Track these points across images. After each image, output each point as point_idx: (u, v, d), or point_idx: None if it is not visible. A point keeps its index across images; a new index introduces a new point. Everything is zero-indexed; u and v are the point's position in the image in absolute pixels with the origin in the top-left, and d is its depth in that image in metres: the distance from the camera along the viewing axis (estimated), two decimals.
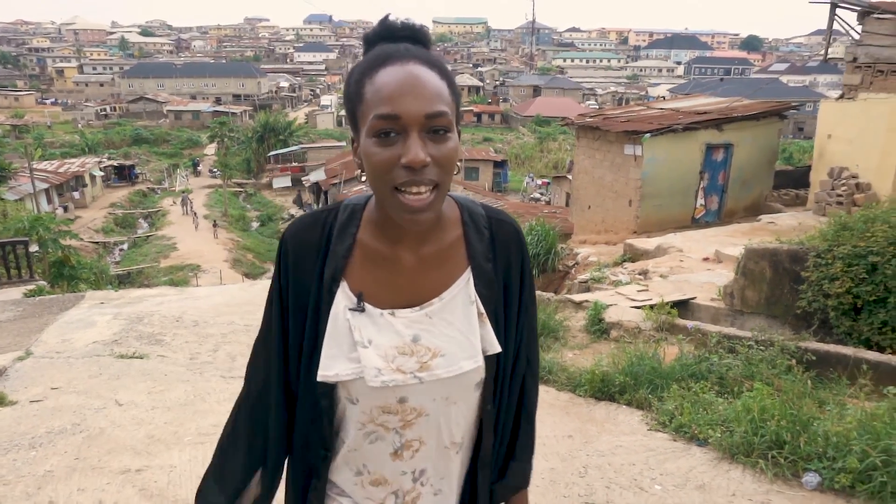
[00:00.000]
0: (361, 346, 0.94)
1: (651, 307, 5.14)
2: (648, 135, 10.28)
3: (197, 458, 3.03)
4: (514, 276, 1.04)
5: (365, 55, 0.93)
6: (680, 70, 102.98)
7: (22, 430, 3.42)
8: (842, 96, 10.17)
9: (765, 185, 11.98)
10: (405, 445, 0.99)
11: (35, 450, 3.16)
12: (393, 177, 0.86)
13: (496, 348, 0.99)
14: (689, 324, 4.69)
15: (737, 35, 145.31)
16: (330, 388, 0.98)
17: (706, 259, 8.13)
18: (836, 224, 4.61)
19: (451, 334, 0.97)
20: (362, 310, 0.95)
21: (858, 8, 9.49)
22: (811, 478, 2.56)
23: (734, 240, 8.82)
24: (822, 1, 10.05)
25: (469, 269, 1.00)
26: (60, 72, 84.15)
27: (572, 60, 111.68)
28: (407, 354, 0.95)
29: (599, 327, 5.35)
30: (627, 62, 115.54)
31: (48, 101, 70.68)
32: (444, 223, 1.00)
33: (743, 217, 11.49)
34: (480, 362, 0.97)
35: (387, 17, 0.94)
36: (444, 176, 0.88)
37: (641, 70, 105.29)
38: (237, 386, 3.86)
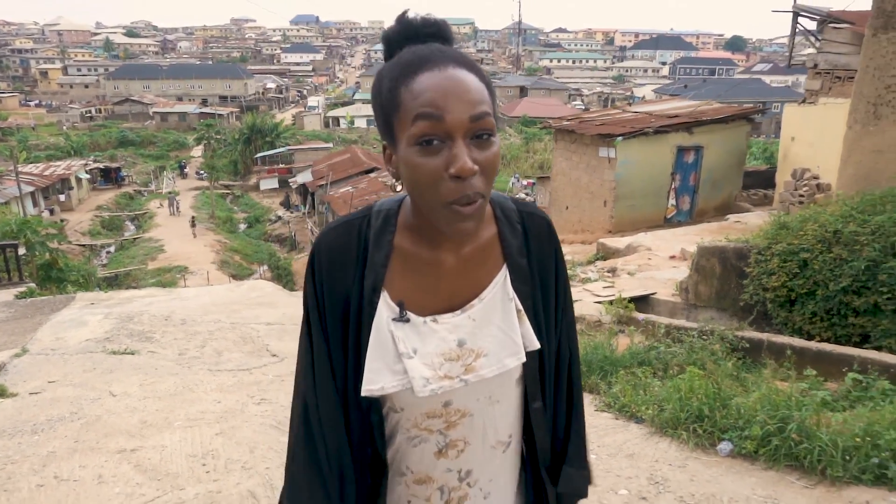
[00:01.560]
0: (407, 357, 0.92)
1: (610, 302, 5.53)
2: (620, 138, 10.70)
3: (186, 440, 3.36)
4: (549, 270, 1.03)
5: (390, 57, 0.91)
6: (665, 70, 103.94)
7: (24, 418, 3.72)
8: (804, 101, 10.65)
9: (734, 186, 12.45)
10: (449, 445, 0.98)
11: (37, 434, 3.46)
12: (441, 190, 0.83)
13: (535, 345, 0.98)
14: (640, 316, 5.08)
15: (721, 35, 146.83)
16: (376, 401, 0.96)
17: (672, 257, 8.55)
18: (775, 223, 5.02)
19: (493, 333, 0.96)
20: (407, 320, 0.94)
21: (818, 17, 9.96)
22: (724, 446, 2.94)
23: (701, 238, 9.24)
24: (785, 10, 10.51)
25: (505, 267, 0.98)
26: (44, 73, 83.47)
27: (559, 61, 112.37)
28: (453, 360, 0.94)
29: None
30: (613, 63, 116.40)
31: (32, 103, 70.10)
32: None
33: (713, 216, 11.95)
34: (523, 358, 0.96)
35: (405, 13, 0.91)
36: (488, 184, 0.87)
37: (627, 70, 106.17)
38: (223, 378, 4.23)
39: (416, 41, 0.89)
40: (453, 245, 0.95)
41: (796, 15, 10.53)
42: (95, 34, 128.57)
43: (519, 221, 1.01)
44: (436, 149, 0.83)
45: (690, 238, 9.72)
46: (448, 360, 0.94)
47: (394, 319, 0.93)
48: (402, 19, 0.90)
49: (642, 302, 6.27)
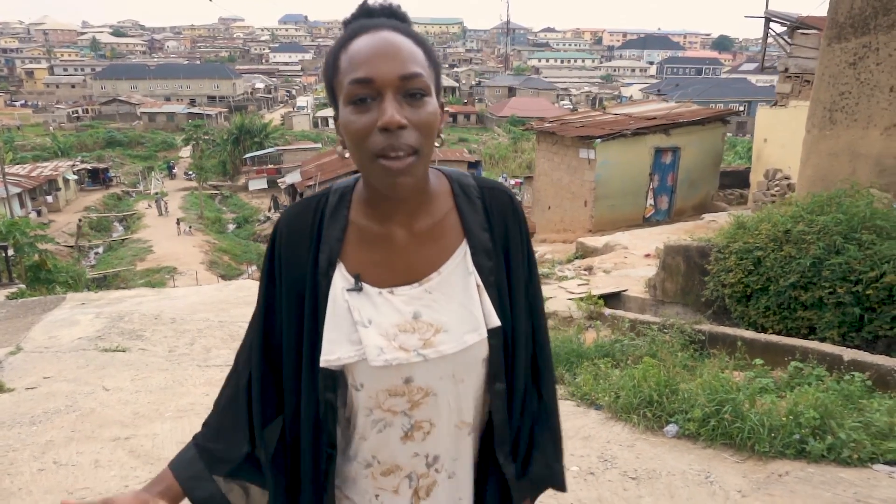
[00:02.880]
0: (361, 325, 0.93)
1: (581, 298, 5.81)
2: (599, 140, 11.01)
3: (177, 429, 3.59)
4: (513, 244, 1.01)
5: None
6: (653, 70, 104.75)
7: (21, 411, 3.94)
8: (775, 103, 11.01)
9: (711, 186, 12.81)
10: (415, 426, 0.97)
11: (35, 426, 3.68)
12: (371, 143, 0.85)
13: (495, 322, 0.96)
14: (607, 312, 5.37)
15: (708, 35, 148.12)
16: (334, 381, 0.95)
17: (647, 255, 8.86)
18: (734, 223, 5.33)
19: (452, 308, 0.95)
20: (360, 289, 0.95)
21: (788, 23, 10.32)
22: (671, 428, 3.22)
23: (676, 237, 9.57)
24: (757, 16, 10.86)
25: (465, 241, 0.98)
26: (30, 73, 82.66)
27: (547, 60, 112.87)
28: (408, 332, 0.94)
29: None
30: (601, 62, 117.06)
31: (18, 103, 69.45)
32: (433, 197, 0.99)
33: (691, 216, 12.29)
34: (484, 335, 0.95)
35: (365, 1, 0.95)
36: (424, 140, 0.87)
37: (615, 70, 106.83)
38: (212, 373, 4.51)
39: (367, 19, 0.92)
40: (405, 218, 0.96)
41: (768, 20, 10.88)
42: (82, 33, 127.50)
43: (479, 196, 1.01)
44: (368, 106, 0.85)
45: (666, 237, 10.01)
46: (403, 331, 0.94)
47: (348, 290, 0.95)
48: (363, 5, 0.94)
49: (615, 298, 6.56)
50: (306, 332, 0.96)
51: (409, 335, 0.94)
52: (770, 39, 11.49)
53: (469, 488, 1.05)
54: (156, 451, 3.26)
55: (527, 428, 1.08)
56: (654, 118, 12.23)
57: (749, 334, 4.39)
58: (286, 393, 1.01)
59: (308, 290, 0.96)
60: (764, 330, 4.73)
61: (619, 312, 5.44)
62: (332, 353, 0.93)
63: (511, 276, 1.01)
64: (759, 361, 3.93)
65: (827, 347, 3.84)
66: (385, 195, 0.92)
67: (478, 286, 0.96)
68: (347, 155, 0.92)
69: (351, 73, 0.86)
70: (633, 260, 8.82)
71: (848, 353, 3.70)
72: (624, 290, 6.58)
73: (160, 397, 4.20)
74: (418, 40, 0.90)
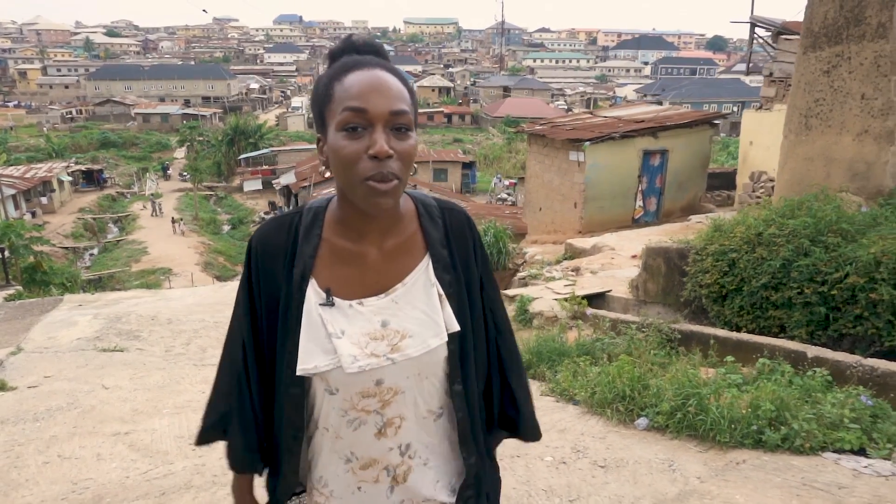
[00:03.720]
0: (335, 337, 1.02)
1: (566, 299, 6.01)
2: (588, 142, 11.21)
3: (174, 424, 3.77)
4: (470, 258, 1.13)
5: (330, 67, 1.04)
6: (647, 70, 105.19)
7: (25, 408, 4.10)
8: (761, 107, 11.24)
9: (699, 188, 13.03)
10: (387, 423, 1.06)
11: (39, 422, 3.85)
12: (360, 168, 0.95)
13: (455, 327, 1.07)
14: (589, 311, 5.57)
15: (703, 35, 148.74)
16: (301, 378, 1.05)
17: (634, 256, 9.04)
18: (712, 226, 5.53)
19: (416, 316, 1.05)
20: (332, 304, 1.04)
21: (772, 28, 10.54)
22: (641, 421, 3.42)
23: (658, 238, 9.78)
24: (742, 21, 11.08)
25: (427, 256, 1.09)
26: (23, 73, 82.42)
27: (542, 61, 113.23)
28: (378, 339, 1.03)
29: (525, 317, 6.21)
30: (596, 62, 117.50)
31: (11, 104, 69.26)
32: (402, 217, 1.09)
33: (679, 217, 12.50)
34: (445, 338, 1.06)
35: (350, 36, 1.06)
36: (404, 170, 0.98)
37: (610, 70, 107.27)
38: (208, 372, 4.73)
39: (354, 55, 1.03)
40: (376, 237, 1.06)
41: (753, 25, 11.11)
42: (75, 34, 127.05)
43: (440, 216, 1.12)
44: (359, 134, 0.96)
45: (653, 238, 10.25)
46: (373, 339, 1.03)
47: (321, 304, 1.04)
48: (347, 39, 1.06)
49: (599, 299, 6.76)
50: (279, 340, 1.07)
51: (378, 342, 1.03)
52: (761, 42, 11.71)
53: (447, 470, 1.15)
54: (154, 445, 3.44)
55: (499, 405, 1.22)
56: (643, 121, 12.43)
57: (722, 333, 4.59)
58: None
59: (282, 302, 1.06)
60: (738, 329, 4.93)
61: (602, 312, 5.64)
62: (309, 362, 1.02)
63: (469, 285, 1.12)
64: (730, 359, 4.13)
65: (792, 345, 4.04)
66: (362, 215, 1.02)
67: (439, 295, 1.07)
68: (328, 175, 1.04)
69: (346, 101, 0.96)
70: (620, 261, 9.01)
71: (812, 351, 3.91)
72: (608, 291, 6.78)
73: (158, 395, 4.37)
74: (403, 80, 1.01)
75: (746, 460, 2.80)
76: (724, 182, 14.50)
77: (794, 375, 3.60)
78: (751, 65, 12.21)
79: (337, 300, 1.04)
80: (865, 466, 2.56)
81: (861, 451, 2.74)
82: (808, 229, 4.54)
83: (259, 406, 1.14)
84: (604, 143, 11.64)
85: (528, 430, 1.26)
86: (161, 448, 3.38)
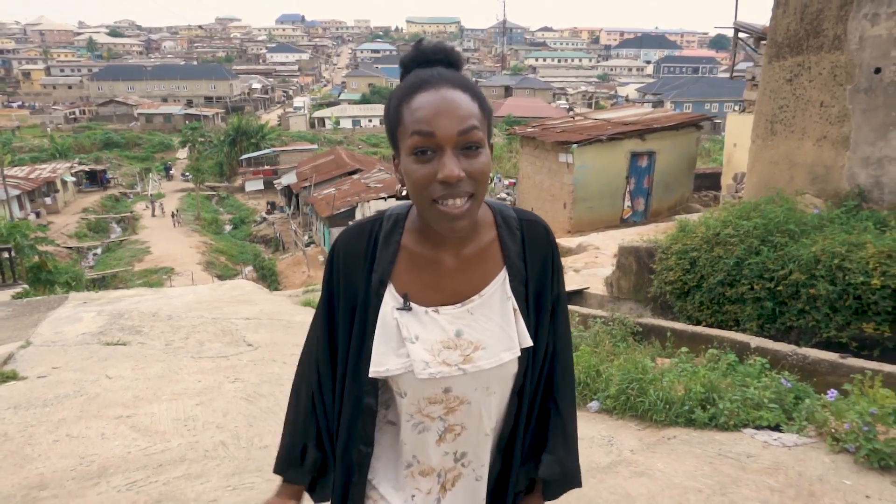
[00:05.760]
0: (409, 341, 1.03)
1: None
2: (576, 145, 11.57)
3: (171, 409, 4.14)
4: (546, 273, 1.13)
5: (402, 79, 1.04)
6: (649, 69, 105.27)
7: (35, 395, 4.48)
8: (744, 110, 11.56)
9: (686, 188, 13.37)
10: (448, 429, 1.08)
11: (48, 407, 4.22)
12: (430, 191, 0.95)
13: (527, 342, 1.08)
14: None
15: (706, 34, 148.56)
16: (375, 387, 1.07)
17: (616, 255, 9.41)
18: (678, 226, 5.88)
19: (490, 328, 1.06)
20: (409, 309, 1.05)
21: (753, 34, 10.87)
22: (593, 404, 3.77)
23: (635, 238, 10.13)
24: (726, 27, 11.41)
25: (504, 269, 1.09)
26: (27, 74, 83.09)
27: (544, 60, 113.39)
28: (451, 348, 1.04)
29: None
30: (598, 61, 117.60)
31: (15, 105, 69.87)
32: (479, 227, 1.08)
33: (666, 217, 12.84)
34: (518, 353, 1.06)
35: (420, 41, 1.04)
36: (479, 187, 0.97)
37: (612, 69, 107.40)
38: (204, 363, 5.16)
39: (425, 65, 1.02)
40: (454, 246, 1.06)
41: (737, 31, 11.44)
42: (78, 34, 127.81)
43: (518, 228, 1.12)
44: (428, 158, 0.95)
45: (638, 238, 10.61)
46: (446, 347, 1.04)
47: (398, 308, 1.05)
48: (418, 46, 1.04)
49: (577, 296, 7.12)
50: (353, 342, 1.09)
51: (451, 351, 1.04)
52: (744, 47, 12.02)
53: (485, 493, 1.15)
54: (153, 426, 3.81)
55: (539, 435, 1.19)
56: (631, 123, 12.78)
57: (678, 326, 4.94)
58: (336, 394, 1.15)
59: (360, 306, 1.08)
60: (699, 322, 5.29)
61: (573, 308, 6.00)
62: (382, 364, 1.04)
63: (541, 301, 1.12)
64: (684, 349, 4.48)
65: (738, 336, 4.39)
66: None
67: (514, 310, 1.08)
68: (405, 192, 1.02)
69: (414, 126, 0.96)
70: (603, 259, 9.37)
71: (755, 341, 4.26)
72: (586, 288, 7.13)
73: (157, 384, 4.73)
74: (473, 93, 1.00)
75: (677, 436, 3.15)
76: (712, 183, 14.84)
77: (737, 363, 3.96)
78: (735, 69, 12.52)
79: (414, 305, 1.06)
80: (775, 439, 2.91)
81: (777, 428, 3.08)
82: (759, 230, 4.89)
83: (335, 426, 1.15)
84: (592, 145, 12.00)
85: (568, 475, 1.21)
86: (159, 429, 3.75)
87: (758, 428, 3.12)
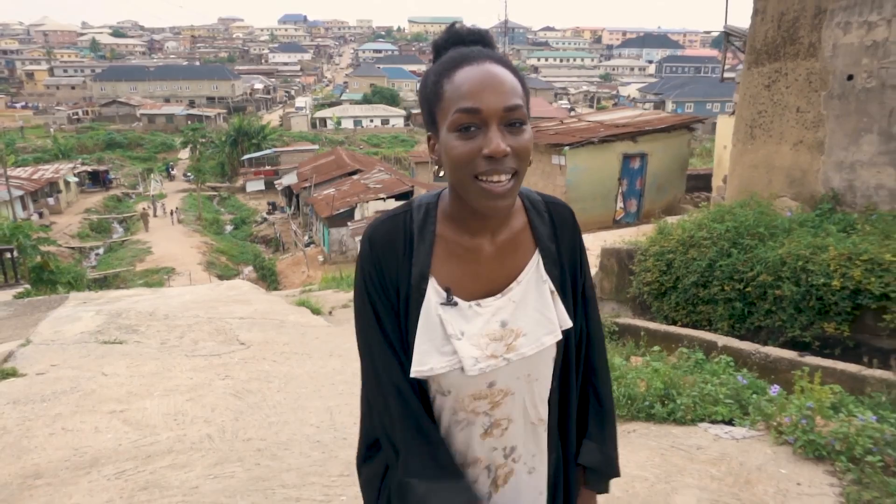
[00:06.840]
0: (455, 338, 0.99)
1: None
2: (567, 147, 11.73)
3: (163, 404, 4.33)
4: (576, 255, 1.13)
5: (436, 60, 1.01)
6: (651, 69, 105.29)
7: (33, 391, 4.68)
8: (733, 113, 11.71)
9: (678, 189, 13.52)
10: (494, 424, 1.04)
11: (45, 402, 4.42)
12: (474, 166, 0.92)
13: (568, 323, 1.06)
14: None
15: (708, 33, 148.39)
16: (417, 387, 1.02)
17: None
18: (657, 229, 6.05)
19: (530, 314, 1.04)
20: (454, 304, 1.01)
21: (743, 38, 11.01)
22: None
23: (629, 239, 10.28)
24: (716, 31, 11.53)
25: (537, 252, 1.07)
26: (30, 74, 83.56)
27: (546, 59, 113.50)
28: (497, 340, 1.01)
29: None
30: (600, 61, 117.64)
31: (18, 105, 70.30)
32: (512, 212, 1.06)
33: (659, 218, 12.99)
34: (559, 336, 1.04)
35: (453, 24, 1.02)
36: (521, 164, 0.94)
37: (614, 69, 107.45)
38: (197, 361, 5.40)
39: (460, 45, 1.00)
40: (489, 232, 1.04)
41: (727, 35, 11.59)
42: (81, 34, 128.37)
43: (546, 211, 1.11)
44: (473, 134, 0.92)
45: (628, 239, 10.76)
46: (493, 340, 1.01)
47: (442, 304, 1.01)
48: (451, 29, 1.02)
49: None
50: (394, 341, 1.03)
51: (497, 343, 1.01)
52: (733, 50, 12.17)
53: (546, 484, 1.13)
54: (144, 420, 4.00)
55: (581, 420, 1.17)
56: (623, 126, 12.94)
57: (653, 326, 5.12)
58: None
59: (401, 301, 1.02)
60: (675, 322, 5.46)
61: None
62: (425, 363, 0.99)
63: (574, 281, 1.12)
64: (656, 348, 4.66)
65: (707, 335, 4.57)
66: (476, 211, 0.99)
67: (552, 292, 1.07)
68: (442, 174, 1.00)
69: (458, 102, 0.92)
70: (593, 260, 9.54)
71: (721, 340, 4.44)
72: None
73: (150, 381, 4.93)
74: (514, 71, 0.97)
75: (636, 430, 3.33)
76: (704, 184, 14.97)
77: (704, 361, 4.14)
78: (727, 71, 12.68)
79: (458, 300, 1.02)
80: (726, 433, 3.08)
81: (731, 422, 3.26)
82: (731, 233, 5.06)
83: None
84: (584, 147, 12.16)
85: (608, 462, 1.19)
86: (150, 423, 3.94)
87: (713, 422, 3.30)
